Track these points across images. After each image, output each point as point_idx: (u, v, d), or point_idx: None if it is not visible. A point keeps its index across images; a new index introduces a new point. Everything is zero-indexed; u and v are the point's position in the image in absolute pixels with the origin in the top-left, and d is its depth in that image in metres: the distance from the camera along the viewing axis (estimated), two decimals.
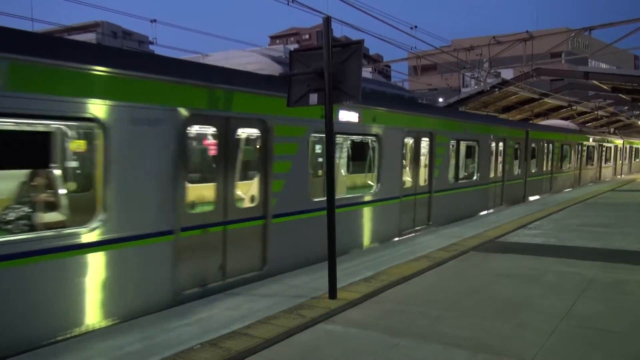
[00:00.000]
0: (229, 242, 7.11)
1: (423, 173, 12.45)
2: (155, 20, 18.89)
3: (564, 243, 10.01)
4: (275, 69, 8.90)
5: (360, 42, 6.22)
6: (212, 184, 7.13)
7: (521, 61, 23.21)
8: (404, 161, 11.36)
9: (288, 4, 12.58)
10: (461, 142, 14.47)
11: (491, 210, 16.01)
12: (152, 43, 20.14)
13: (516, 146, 18.24)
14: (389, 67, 50.93)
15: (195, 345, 4.79)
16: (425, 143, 12.46)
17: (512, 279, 7.27)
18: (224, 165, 7.08)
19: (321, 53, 6.17)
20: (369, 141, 10.63)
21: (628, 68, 67.99)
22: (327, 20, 6.25)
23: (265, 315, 5.64)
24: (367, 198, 10.20)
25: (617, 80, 24.22)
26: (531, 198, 20.01)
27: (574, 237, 10.68)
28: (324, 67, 6.10)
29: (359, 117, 9.57)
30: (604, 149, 31.83)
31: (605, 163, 32.70)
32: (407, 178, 11.86)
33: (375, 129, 10.20)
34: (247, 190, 8.02)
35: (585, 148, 27.35)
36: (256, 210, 7.63)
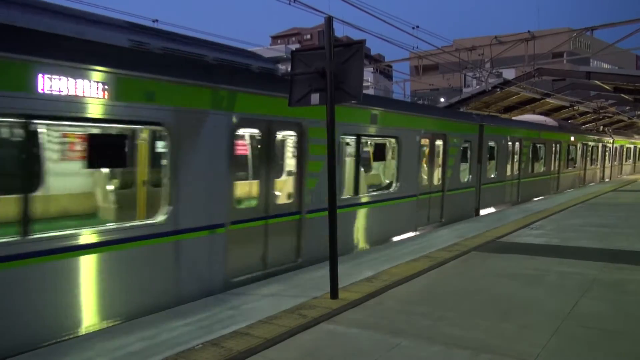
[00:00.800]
0: None
1: (288, 185, 8.80)
2: (157, 20, 18.92)
3: (566, 243, 10.00)
4: None
5: (361, 42, 6.22)
6: None
7: (523, 61, 23.19)
8: (236, 168, 7.50)
9: (290, 4, 12.57)
10: (364, 138, 10.45)
11: (422, 230, 12.09)
12: None
13: (465, 145, 14.37)
14: (391, 67, 50.97)
15: (197, 345, 4.79)
16: (290, 140, 8.88)
17: (514, 279, 7.26)
18: None
19: (323, 53, 6.17)
20: (141, 134, 6.81)
21: (630, 68, 67.93)
22: (329, 20, 6.26)
23: (266, 315, 5.64)
24: (146, 231, 6.14)
25: (619, 80, 24.20)
26: (490, 210, 16.23)
27: (575, 237, 10.66)
28: (326, 67, 6.10)
29: (105, 89, 5.65)
30: (590, 148, 28.22)
31: (592, 165, 29.07)
32: (247, 193, 8.27)
33: (157, 113, 6.16)
34: None
35: (565, 147, 23.85)
36: None
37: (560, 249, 9.45)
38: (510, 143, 17.62)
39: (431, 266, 7.97)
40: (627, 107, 36.66)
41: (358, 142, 10.10)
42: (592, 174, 29.18)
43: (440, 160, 13.22)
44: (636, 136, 41.24)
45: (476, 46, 23.58)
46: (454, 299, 6.35)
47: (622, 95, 27.89)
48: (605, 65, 62.04)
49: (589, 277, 7.33)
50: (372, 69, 53.76)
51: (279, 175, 8.76)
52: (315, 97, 6.36)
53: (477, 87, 28.60)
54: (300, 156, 8.47)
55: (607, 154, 32.40)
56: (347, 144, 10.24)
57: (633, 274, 7.53)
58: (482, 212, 15.62)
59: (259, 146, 8.10)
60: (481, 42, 24.91)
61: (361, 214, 10.05)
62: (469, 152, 14.71)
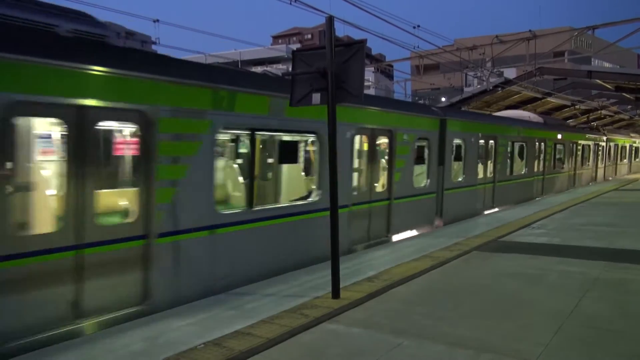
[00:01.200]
0: None
1: (123, 198, 6.86)
2: (158, 20, 18.96)
3: (568, 242, 9.99)
4: None
5: (362, 42, 6.23)
6: None
7: (524, 60, 23.23)
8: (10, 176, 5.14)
9: (290, 4, 12.57)
10: (262, 134, 8.24)
11: (359, 248, 9.74)
12: (154, 43, 20.27)
13: (421, 143, 12.12)
14: (392, 66, 50.96)
15: (199, 344, 4.80)
16: (133, 136, 6.74)
17: (516, 279, 7.25)
18: None
19: (324, 53, 6.17)
20: None
21: (631, 67, 67.87)
22: (330, 19, 6.25)
23: (268, 314, 5.64)
24: None
25: (620, 79, 24.20)
26: (457, 219, 13.63)
27: (577, 236, 10.65)
28: (327, 67, 6.10)
29: None
30: (580, 147, 25.86)
31: (583, 165, 26.69)
32: (38, 213, 5.86)
33: None
34: None
35: (551, 146, 21.54)
36: None
37: (561, 248, 9.44)
38: (482, 141, 15.37)
39: (432, 266, 7.96)
40: (629, 106, 36.62)
41: (253, 139, 7.70)
42: (583, 175, 26.93)
43: (385, 161, 10.99)
44: (632, 134, 39.70)
45: (477, 45, 23.63)
46: (455, 298, 6.35)
47: (624, 94, 27.87)
48: (607, 64, 62.00)
49: (591, 276, 7.32)
50: (373, 68, 53.79)
51: (109, 185, 6.56)
52: (316, 97, 6.36)
53: (478, 86, 28.61)
54: (147, 158, 6.11)
55: (600, 153, 30.08)
56: (233, 141, 8.06)
57: (635, 273, 7.52)
58: (446, 222, 13.25)
59: (66, 143, 5.48)
60: (482, 42, 24.96)
61: (258, 234, 7.60)
62: (426, 151, 12.39)
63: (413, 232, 11.69)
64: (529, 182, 19.53)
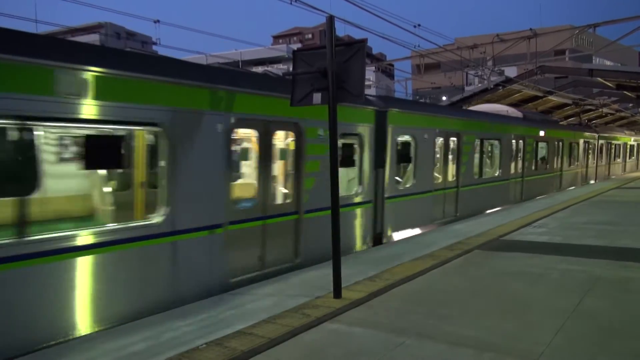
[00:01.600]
0: None
1: None
2: (158, 21, 18.99)
3: (569, 241, 9.97)
4: None
5: (363, 41, 6.23)
6: None
7: (525, 59, 23.23)
8: None
9: (291, 4, 12.59)
10: (43, 125, 5.43)
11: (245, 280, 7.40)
12: (155, 44, 20.34)
13: (349, 141, 9.92)
14: (393, 65, 50.95)
15: (201, 344, 4.80)
16: None
17: (518, 278, 7.25)
18: None
19: (324, 52, 6.17)
20: None
21: (632, 65, 67.74)
22: (331, 19, 6.26)
23: (270, 314, 5.65)
24: None
25: (621, 77, 24.13)
26: (407, 232, 11.42)
27: (578, 235, 10.64)
28: (328, 67, 6.10)
29: None
30: (568, 145, 23.66)
31: (570, 165, 24.43)
32: None
33: None
34: None
35: (532, 144, 19.26)
36: None
37: (563, 247, 9.43)
38: (440, 139, 13.07)
39: (434, 265, 7.96)
40: (630, 104, 36.55)
41: (26, 133, 5.21)
42: (570, 177, 24.60)
43: (289, 165, 8.59)
44: (627, 132, 37.56)
45: (478, 44, 23.65)
46: (457, 297, 6.35)
47: (625, 92, 27.82)
48: (608, 62, 61.92)
49: (593, 275, 7.31)
50: (373, 67, 53.81)
51: None
52: (317, 97, 6.36)
53: (479, 85, 28.60)
54: None
55: (590, 152, 27.85)
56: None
57: (637, 271, 7.51)
58: (395, 236, 11.09)
59: None
60: (483, 40, 24.98)
61: (40, 277, 5.17)
62: (358, 151, 10.05)
63: (343, 252, 8.66)
64: (503, 186, 17.02)
